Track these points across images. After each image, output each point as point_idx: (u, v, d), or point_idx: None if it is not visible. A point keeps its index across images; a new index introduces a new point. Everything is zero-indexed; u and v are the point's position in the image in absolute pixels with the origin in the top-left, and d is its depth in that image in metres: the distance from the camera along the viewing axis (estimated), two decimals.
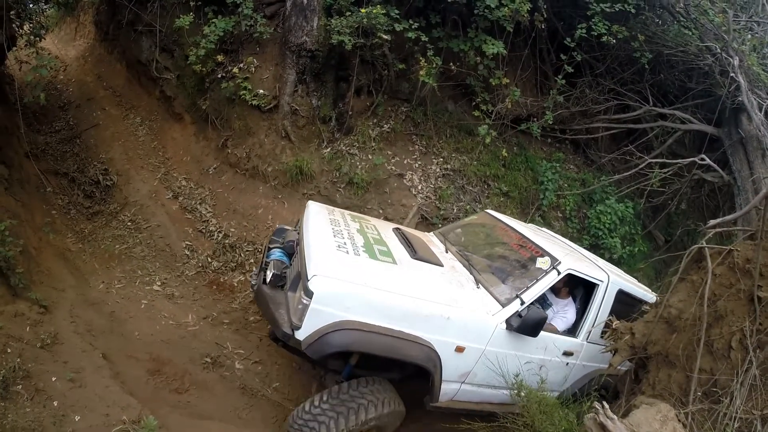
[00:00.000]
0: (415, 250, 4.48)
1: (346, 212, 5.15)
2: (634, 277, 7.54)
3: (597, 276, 4.76)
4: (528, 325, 3.97)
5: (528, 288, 4.25)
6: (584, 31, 6.75)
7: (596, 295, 4.76)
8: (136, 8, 7.46)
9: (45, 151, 6.83)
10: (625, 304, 5.06)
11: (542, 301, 4.85)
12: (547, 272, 4.37)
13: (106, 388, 3.96)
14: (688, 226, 7.36)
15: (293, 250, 4.38)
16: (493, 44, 6.55)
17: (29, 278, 4.77)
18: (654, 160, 7.37)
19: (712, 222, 4.65)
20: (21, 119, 6.04)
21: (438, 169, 7.04)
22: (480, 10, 6.39)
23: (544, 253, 4.63)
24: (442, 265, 4.44)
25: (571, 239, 7.06)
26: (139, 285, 5.67)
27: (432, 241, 5.20)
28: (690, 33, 7.58)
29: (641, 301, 5.30)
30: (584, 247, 7.33)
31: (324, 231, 4.21)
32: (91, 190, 6.75)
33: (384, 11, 6.24)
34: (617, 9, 6.74)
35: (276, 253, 4.40)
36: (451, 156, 7.24)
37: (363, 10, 6.19)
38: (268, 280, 4.03)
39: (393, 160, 6.90)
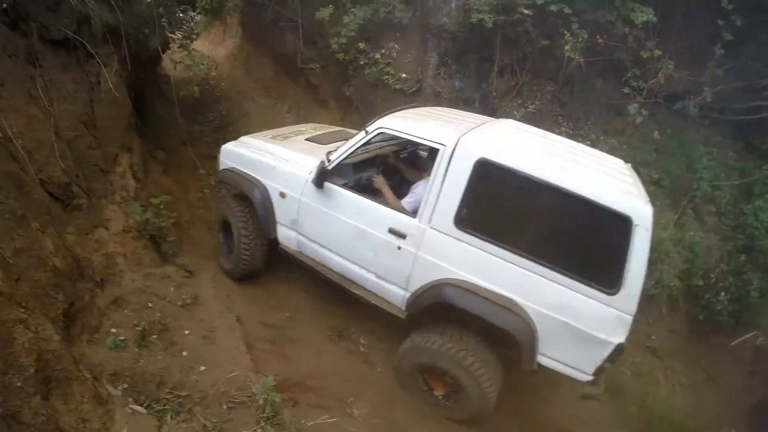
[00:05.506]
0: (314, 137, 5.47)
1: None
2: None
3: (434, 138, 3.86)
4: (314, 176, 4.37)
5: (337, 150, 4.50)
6: None
7: (439, 163, 3.76)
8: (277, 6, 7.90)
9: (199, 138, 7.49)
10: (526, 194, 3.57)
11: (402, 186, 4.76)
12: (356, 134, 4.51)
13: (235, 348, 4.15)
14: None
15: None
16: (642, 11, 5.82)
17: (179, 246, 5.24)
18: None
19: None
20: (178, 111, 6.67)
21: None
22: None
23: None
24: (324, 144, 5.13)
25: (723, 238, 6.20)
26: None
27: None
28: None
29: (586, 201, 3.37)
30: (736, 249, 6.17)
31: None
32: None
33: None
34: None
35: None
36: (600, 139, 6.56)
37: None
38: None
39: None
